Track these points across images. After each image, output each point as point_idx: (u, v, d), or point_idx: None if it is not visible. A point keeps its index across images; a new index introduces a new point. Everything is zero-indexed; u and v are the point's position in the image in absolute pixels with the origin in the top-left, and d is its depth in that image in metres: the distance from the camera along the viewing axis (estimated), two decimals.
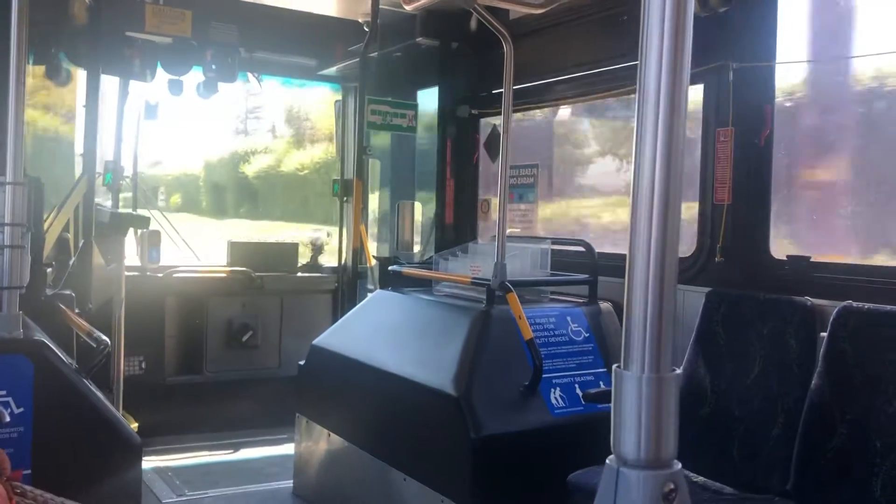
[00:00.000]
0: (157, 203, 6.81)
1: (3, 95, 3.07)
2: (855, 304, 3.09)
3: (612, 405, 1.08)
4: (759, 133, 3.77)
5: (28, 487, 2.45)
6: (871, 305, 3.04)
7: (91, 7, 5.18)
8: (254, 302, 6.38)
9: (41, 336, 3.14)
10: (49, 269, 4.09)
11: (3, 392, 2.85)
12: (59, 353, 3.09)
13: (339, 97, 6.82)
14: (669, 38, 1.07)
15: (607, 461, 1.07)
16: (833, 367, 3.08)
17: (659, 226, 1.05)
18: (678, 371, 1.07)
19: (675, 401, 1.06)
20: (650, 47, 1.07)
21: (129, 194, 6.16)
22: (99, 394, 3.17)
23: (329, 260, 6.84)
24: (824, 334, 3.16)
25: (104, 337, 3.37)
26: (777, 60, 3.75)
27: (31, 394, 2.88)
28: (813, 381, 3.14)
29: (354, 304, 5.29)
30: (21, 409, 2.85)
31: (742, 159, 3.83)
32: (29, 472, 2.81)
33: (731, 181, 3.86)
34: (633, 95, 5.40)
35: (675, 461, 1.07)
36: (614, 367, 1.08)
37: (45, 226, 4.09)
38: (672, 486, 1.04)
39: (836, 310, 3.13)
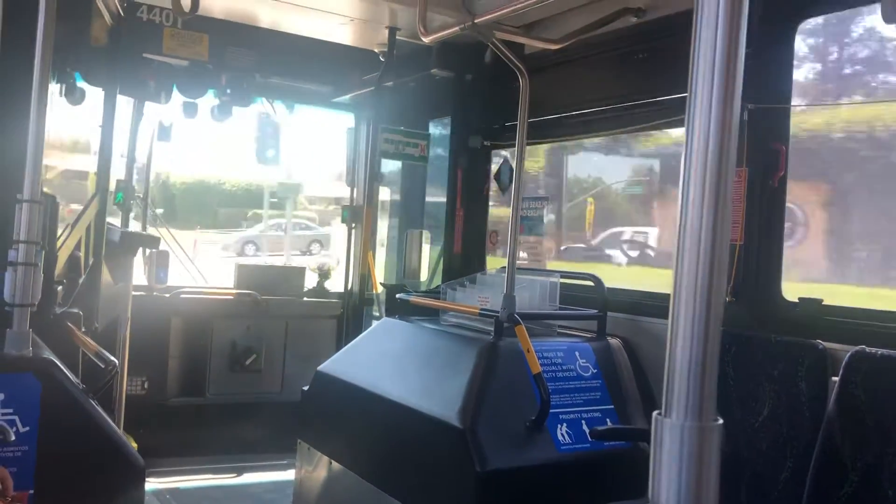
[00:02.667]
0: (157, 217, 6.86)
1: (24, 114, 3.09)
2: (868, 348, 3.07)
3: (651, 453, 1.05)
4: (773, 174, 3.77)
5: None
6: (885, 351, 3.02)
7: (112, 29, 5.24)
8: (258, 325, 6.36)
9: (49, 355, 3.12)
10: (59, 288, 4.08)
11: (10, 410, 2.83)
12: (67, 373, 3.07)
13: (352, 124, 6.87)
14: (720, 74, 1.04)
15: None
16: (845, 411, 3.05)
17: (705, 267, 1.02)
18: (721, 421, 1.05)
19: (718, 452, 1.03)
20: (699, 82, 1.05)
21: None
22: (104, 415, 3.15)
23: (335, 285, 6.83)
24: (836, 378, 3.14)
25: (112, 357, 3.35)
26: (792, 103, 3.77)
27: (38, 413, 2.86)
28: (823, 426, 3.11)
29: (359, 331, 5.28)
30: (27, 429, 2.83)
31: (755, 200, 3.83)
32: (32, 492, 2.78)
33: (744, 221, 3.86)
34: (648, 133, 5.46)
35: None
36: (654, 414, 1.05)
37: (58, 243, 4.09)
38: None
39: (848, 354, 3.11)
